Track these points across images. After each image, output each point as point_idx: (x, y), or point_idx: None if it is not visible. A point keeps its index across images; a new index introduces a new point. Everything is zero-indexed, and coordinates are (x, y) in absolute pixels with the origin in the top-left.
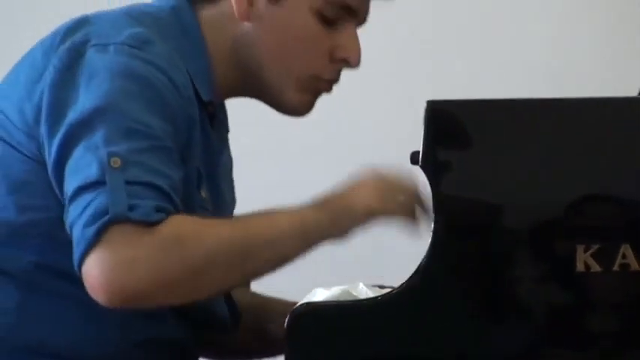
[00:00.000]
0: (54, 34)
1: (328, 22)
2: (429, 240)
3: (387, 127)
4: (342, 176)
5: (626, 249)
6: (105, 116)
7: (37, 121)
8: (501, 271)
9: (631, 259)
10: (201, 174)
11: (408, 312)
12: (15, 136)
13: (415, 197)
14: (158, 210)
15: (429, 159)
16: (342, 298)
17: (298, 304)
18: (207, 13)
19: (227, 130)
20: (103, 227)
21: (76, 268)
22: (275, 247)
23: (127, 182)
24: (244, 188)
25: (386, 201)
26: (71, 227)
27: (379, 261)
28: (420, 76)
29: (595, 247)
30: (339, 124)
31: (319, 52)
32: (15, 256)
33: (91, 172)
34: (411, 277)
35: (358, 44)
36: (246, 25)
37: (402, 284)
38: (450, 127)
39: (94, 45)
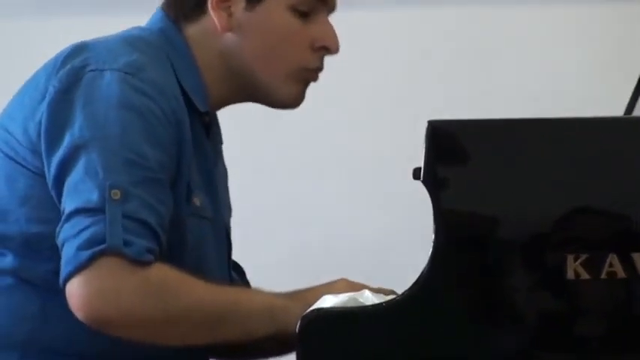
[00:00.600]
0: (55, 59)
1: (303, 15)
2: (430, 250)
3: (391, 145)
4: (350, 189)
5: (612, 258)
6: (103, 144)
7: (39, 137)
8: (497, 279)
9: (617, 268)
10: (190, 188)
11: (410, 318)
12: (21, 153)
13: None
14: (148, 251)
15: (430, 175)
16: (349, 305)
17: (309, 309)
18: (191, 31)
19: (221, 142)
20: (96, 254)
21: (60, 283)
22: (246, 322)
23: (124, 216)
24: (254, 203)
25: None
26: (63, 243)
27: (383, 270)
28: (421, 98)
29: (584, 256)
30: (348, 141)
31: (301, 45)
32: (33, 265)
33: (92, 197)
34: (413, 285)
35: (334, 31)
36: (230, 35)
37: (405, 292)
38: (449, 145)
39: (92, 70)
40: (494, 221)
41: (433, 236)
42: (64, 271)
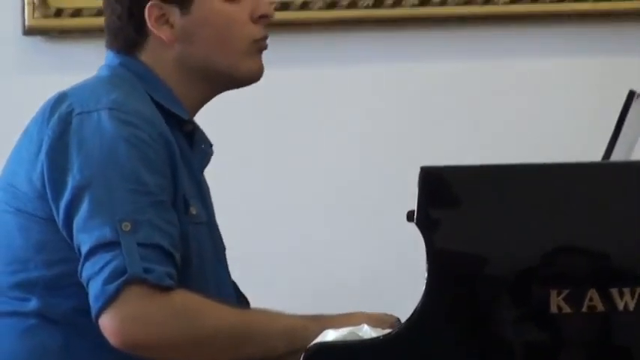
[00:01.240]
0: (42, 111)
1: None
2: (424, 286)
3: (386, 189)
4: (347, 231)
5: (592, 293)
6: (104, 180)
7: (43, 185)
8: (487, 313)
9: (597, 302)
10: (186, 199)
11: (406, 350)
12: (30, 204)
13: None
14: (168, 275)
15: (423, 217)
16: (348, 338)
17: (312, 343)
18: (144, 55)
19: (211, 145)
20: (122, 285)
21: (93, 317)
22: (267, 341)
23: (139, 244)
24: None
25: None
26: (88, 281)
27: (380, 305)
28: (415, 146)
29: (566, 291)
30: (347, 185)
31: (242, 22)
32: (56, 304)
33: (105, 233)
34: (408, 319)
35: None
36: (178, 43)
37: (400, 325)
38: (441, 189)
39: (78, 113)
40: (482, 260)
41: (426, 273)
42: (94, 306)
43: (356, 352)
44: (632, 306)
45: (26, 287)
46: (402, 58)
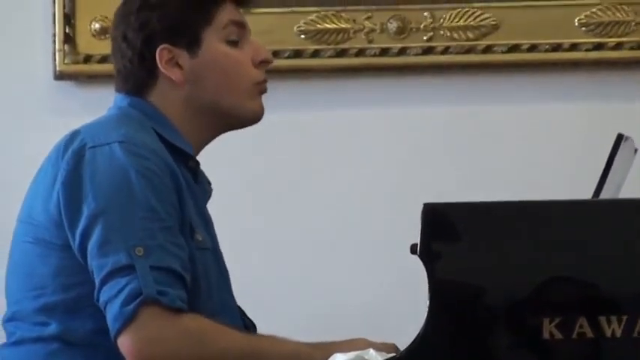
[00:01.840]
0: (56, 149)
1: (235, 43)
2: (426, 314)
3: (392, 224)
4: (355, 263)
5: (582, 320)
6: (117, 208)
7: (59, 213)
8: (484, 339)
9: (586, 329)
10: (192, 225)
11: None
12: (46, 233)
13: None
14: (180, 298)
15: (425, 250)
16: None
17: None
18: (153, 96)
19: (209, 182)
20: (138, 307)
21: (112, 337)
22: None
23: (152, 268)
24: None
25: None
26: (106, 304)
27: (384, 332)
28: (418, 184)
29: (558, 319)
30: (357, 220)
31: (245, 66)
32: (75, 326)
33: (120, 258)
34: (411, 343)
35: (263, 45)
36: (187, 84)
37: (403, 351)
38: (442, 224)
39: (91, 147)
40: (480, 290)
41: (428, 302)
42: (113, 327)
43: None
44: (619, 332)
45: (47, 311)
46: (407, 103)
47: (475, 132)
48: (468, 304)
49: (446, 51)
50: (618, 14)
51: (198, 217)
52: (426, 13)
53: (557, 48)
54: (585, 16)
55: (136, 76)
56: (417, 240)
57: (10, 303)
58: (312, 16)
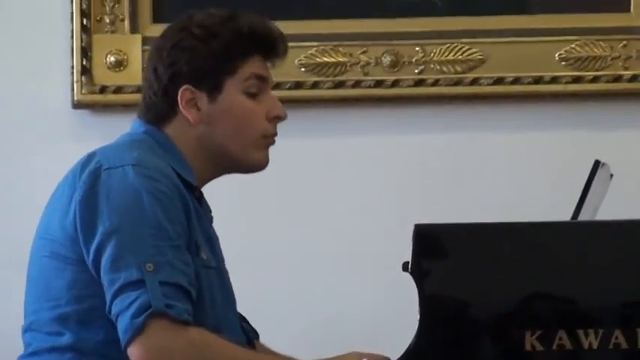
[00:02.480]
0: (73, 170)
1: (253, 95)
2: (417, 327)
3: (385, 243)
4: (350, 280)
5: (561, 333)
6: (129, 227)
7: (75, 230)
8: (471, 350)
9: (565, 341)
10: (198, 244)
11: None
12: (62, 248)
13: None
14: (186, 312)
15: (416, 267)
16: None
17: None
18: (170, 129)
19: (210, 210)
20: (147, 319)
21: (123, 348)
22: None
23: (161, 283)
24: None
25: None
26: (117, 316)
27: (377, 345)
28: (409, 206)
29: (539, 332)
30: (354, 240)
31: (259, 119)
32: (88, 337)
33: (132, 273)
34: (402, 355)
35: (279, 102)
36: (202, 125)
37: None
38: (431, 243)
39: (106, 169)
40: (467, 305)
41: (418, 316)
42: (123, 338)
43: None
44: (595, 345)
45: (61, 321)
46: (400, 131)
47: (464, 158)
48: (455, 318)
49: (436, 83)
50: (595, 49)
51: (204, 237)
52: (417, 48)
53: (538, 80)
54: (565, 51)
55: (158, 108)
56: (409, 258)
57: (28, 314)
58: (312, 50)
